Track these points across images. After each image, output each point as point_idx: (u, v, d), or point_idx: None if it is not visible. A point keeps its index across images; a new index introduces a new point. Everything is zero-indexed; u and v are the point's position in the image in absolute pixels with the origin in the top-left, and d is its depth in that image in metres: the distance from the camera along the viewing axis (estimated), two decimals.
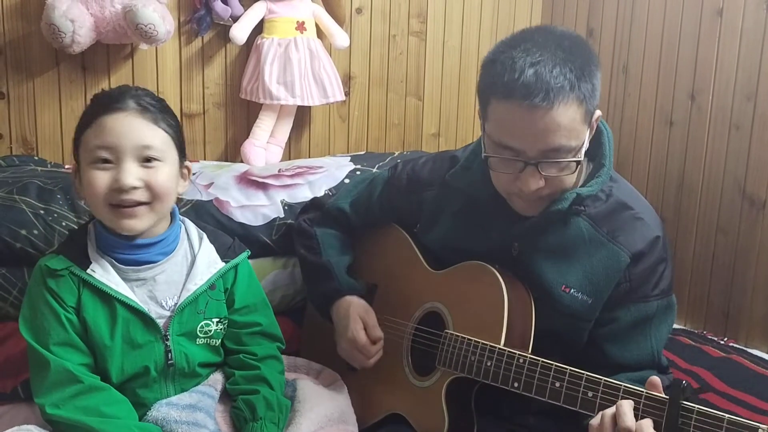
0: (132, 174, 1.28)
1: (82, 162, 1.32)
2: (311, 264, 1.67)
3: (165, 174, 1.32)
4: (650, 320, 1.39)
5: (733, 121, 1.98)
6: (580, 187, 1.39)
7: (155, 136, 1.32)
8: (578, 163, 1.31)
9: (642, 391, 1.18)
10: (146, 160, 1.30)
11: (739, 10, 1.94)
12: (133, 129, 1.30)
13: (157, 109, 1.34)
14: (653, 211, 1.45)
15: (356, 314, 1.54)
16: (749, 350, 1.87)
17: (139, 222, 1.31)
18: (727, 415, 1.10)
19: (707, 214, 2.07)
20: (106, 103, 1.31)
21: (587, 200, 1.39)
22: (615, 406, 1.17)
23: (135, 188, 1.28)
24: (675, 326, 2.05)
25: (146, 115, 1.31)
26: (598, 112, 1.34)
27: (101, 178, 1.28)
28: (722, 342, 1.92)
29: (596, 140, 1.41)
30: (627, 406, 1.15)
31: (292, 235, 1.80)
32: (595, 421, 1.19)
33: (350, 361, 1.57)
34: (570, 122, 1.26)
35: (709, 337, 1.97)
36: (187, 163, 1.41)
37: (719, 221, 2.03)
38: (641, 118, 2.26)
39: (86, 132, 1.31)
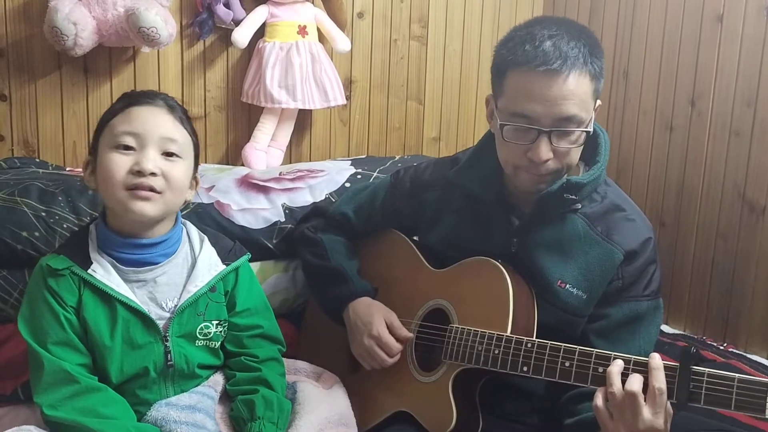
0: (153, 161, 1.31)
1: (103, 148, 1.34)
2: (321, 269, 1.67)
3: (182, 170, 1.36)
4: (640, 320, 1.42)
5: (733, 126, 1.98)
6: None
7: (179, 133, 1.37)
8: (588, 134, 1.37)
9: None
10: (168, 154, 1.34)
11: (740, 16, 1.95)
12: (161, 121, 1.35)
13: (183, 112, 1.40)
14: (643, 214, 1.50)
15: (380, 314, 1.55)
16: (748, 355, 1.87)
17: (151, 207, 1.32)
18: (737, 375, 1.12)
19: (707, 219, 2.07)
20: (138, 97, 1.38)
21: (584, 200, 1.43)
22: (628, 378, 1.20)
23: (154, 174, 1.31)
24: (674, 331, 2.06)
25: (174, 113, 1.38)
26: (599, 102, 1.40)
27: (122, 161, 1.31)
28: (721, 347, 1.92)
29: (593, 142, 1.46)
30: (636, 379, 1.19)
31: (293, 244, 1.80)
32: (598, 401, 1.22)
33: (367, 360, 1.55)
34: (583, 93, 1.33)
35: (709, 342, 1.97)
36: (197, 174, 1.45)
37: (719, 226, 2.03)
38: (641, 123, 2.26)
39: (114, 119, 1.34)
